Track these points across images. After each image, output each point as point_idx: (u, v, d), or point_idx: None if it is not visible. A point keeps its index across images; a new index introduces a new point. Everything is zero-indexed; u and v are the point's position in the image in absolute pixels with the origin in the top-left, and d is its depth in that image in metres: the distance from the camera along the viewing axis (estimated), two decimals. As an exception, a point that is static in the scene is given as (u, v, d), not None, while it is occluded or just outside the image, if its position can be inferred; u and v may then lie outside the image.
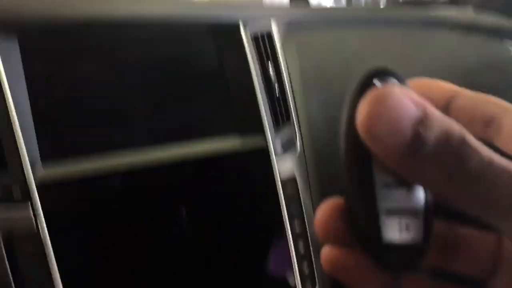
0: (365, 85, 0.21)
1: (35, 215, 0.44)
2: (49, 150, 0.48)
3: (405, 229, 0.20)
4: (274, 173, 0.55)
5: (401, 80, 0.21)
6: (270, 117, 0.58)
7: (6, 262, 0.43)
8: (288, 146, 0.59)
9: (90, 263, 0.46)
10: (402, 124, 0.18)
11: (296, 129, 0.61)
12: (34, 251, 0.43)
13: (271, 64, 0.61)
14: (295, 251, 0.56)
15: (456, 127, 0.19)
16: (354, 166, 0.21)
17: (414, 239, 0.21)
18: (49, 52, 0.50)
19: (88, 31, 0.52)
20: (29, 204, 0.44)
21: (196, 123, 0.57)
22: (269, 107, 0.59)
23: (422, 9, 0.92)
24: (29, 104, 0.48)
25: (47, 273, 0.44)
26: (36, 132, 0.48)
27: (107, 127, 0.52)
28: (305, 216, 0.58)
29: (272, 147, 0.56)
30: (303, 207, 0.58)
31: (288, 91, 0.63)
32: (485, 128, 0.23)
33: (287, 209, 0.56)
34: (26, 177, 0.44)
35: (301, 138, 0.62)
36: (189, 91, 0.57)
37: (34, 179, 0.44)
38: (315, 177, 0.61)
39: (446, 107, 0.23)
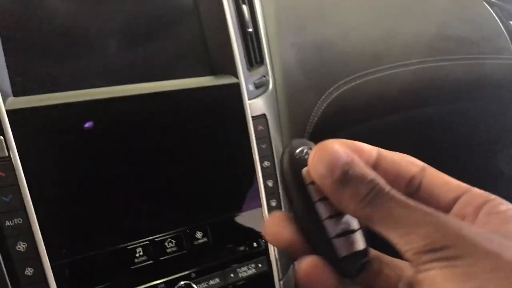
0: (294, 148, 0.30)
1: (6, 142, 0.45)
2: (20, 84, 0.49)
3: (351, 244, 0.29)
4: (245, 110, 0.57)
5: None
6: (243, 57, 0.59)
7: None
8: (260, 85, 0.60)
9: (61, 187, 0.48)
10: (336, 164, 0.28)
11: (269, 69, 0.62)
12: (6, 176, 0.45)
13: (246, 6, 0.61)
14: (264, 188, 0.58)
15: (369, 171, 0.28)
16: (304, 213, 0.29)
17: (359, 248, 0.29)
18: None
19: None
20: (1, 132, 0.45)
21: (169, 63, 0.58)
22: (243, 48, 0.60)
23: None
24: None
25: (19, 197, 0.45)
26: (7, 66, 0.48)
27: (80, 61, 0.52)
28: (274, 153, 0.59)
29: (244, 84, 0.57)
30: (273, 144, 0.59)
31: (262, 34, 0.63)
32: (407, 185, 0.31)
33: (257, 145, 0.57)
34: (-3, 108, 0.45)
35: (273, 78, 0.63)
36: (163, 30, 0.57)
37: (6, 110, 0.45)
38: (285, 115, 0.63)
39: (374, 166, 0.32)
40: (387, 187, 0.28)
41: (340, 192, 0.28)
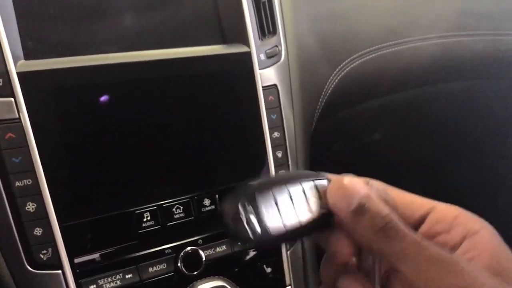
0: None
1: (16, 104, 0.45)
2: (31, 48, 0.49)
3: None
4: (256, 79, 0.56)
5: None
6: (255, 26, 0.59)
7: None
8: (272, 55, 0.59)
9: (70, 150, 0.48)
10: (353, 196, 0.31)
11: (282, 39, 0.62)
12: (16, 137, 0.45)
13: (260, -25, 0.61)
14: (273, 158, 0.58)
15: (384, 207, 0.31)
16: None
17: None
18: None
19: None
20: (12, 94, 0.45)
21: (181, 31, 0.57)
22: (255, 17, 0.59)
23: None
24: (12, 2, 0.48)
25: (28, 158, 0.46)
26: (19, 30, 0.49)
27: (92, 26, 0.52)
28: (284, 124, 0.59)
29: (255, 53, 0.57)
30: (283, 115, 0.59)
31: (276, 3, 0.62)
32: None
33: (267, 115, 0.57)
34: (9, 70, 0.45)
35: (287, 49, 0.62)
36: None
37: (16, 72, 0.46)
38: (297, 87, 0.62)
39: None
40: (401, 224, 0.30)
41: (356, 223, 0.31)
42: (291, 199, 0.32)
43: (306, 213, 0.32)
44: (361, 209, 0.31)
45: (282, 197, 0.32)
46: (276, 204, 0.32)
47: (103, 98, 0.49)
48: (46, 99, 0.47)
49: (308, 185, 0.33)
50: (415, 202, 0.35)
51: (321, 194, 0.33)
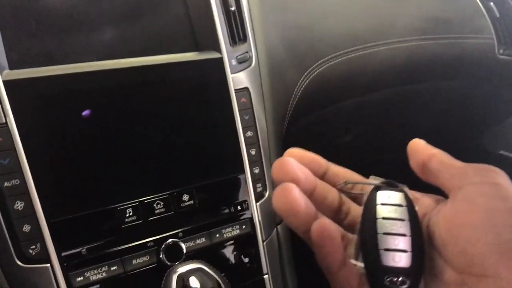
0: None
1: (3, 110, 0.49)
2: (16, 59, 0.52)
3: (397, 260, 0.33)
4: (228, 83, 0.60)
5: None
6: (226, 34, 0.63)
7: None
8: (243, 61, 0.64)
9: (55, 151, 0.51)
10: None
11: (252, 46, 0.66)
12: (3, 140, 0.48)
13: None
14: (247, 156, 0.62)
15: None
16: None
17: (403, 266, 0.33)
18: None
19: None
20: (-2, 101, 0.49)
21: (157, 40, 0.61)
22: (226, 26, 0.63)
23: None
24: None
25: (15, 160, 0.49)
26: (3, 42, 0.52)
27: (72, 38, 0.56)
28: (257, 124, 0.63)
29: (226, 59, 0.61)
30: (255, 115, 0.63)
31: (245, 13, 0.67)
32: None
33: (240, 116, 0.61)
34: (-5, 78, 0.49)
35: (257, 55, 0.66)
36: (151, 9, 0.61)
37: (2, 81, 0.49)
38: (268, 90, 0.67)
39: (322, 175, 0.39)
40: None
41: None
42: None
43: None
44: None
45: None
46: None
47: (83, 103, 0.53)
48: (30, 104, 0.50)
49: None
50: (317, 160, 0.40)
51: None
